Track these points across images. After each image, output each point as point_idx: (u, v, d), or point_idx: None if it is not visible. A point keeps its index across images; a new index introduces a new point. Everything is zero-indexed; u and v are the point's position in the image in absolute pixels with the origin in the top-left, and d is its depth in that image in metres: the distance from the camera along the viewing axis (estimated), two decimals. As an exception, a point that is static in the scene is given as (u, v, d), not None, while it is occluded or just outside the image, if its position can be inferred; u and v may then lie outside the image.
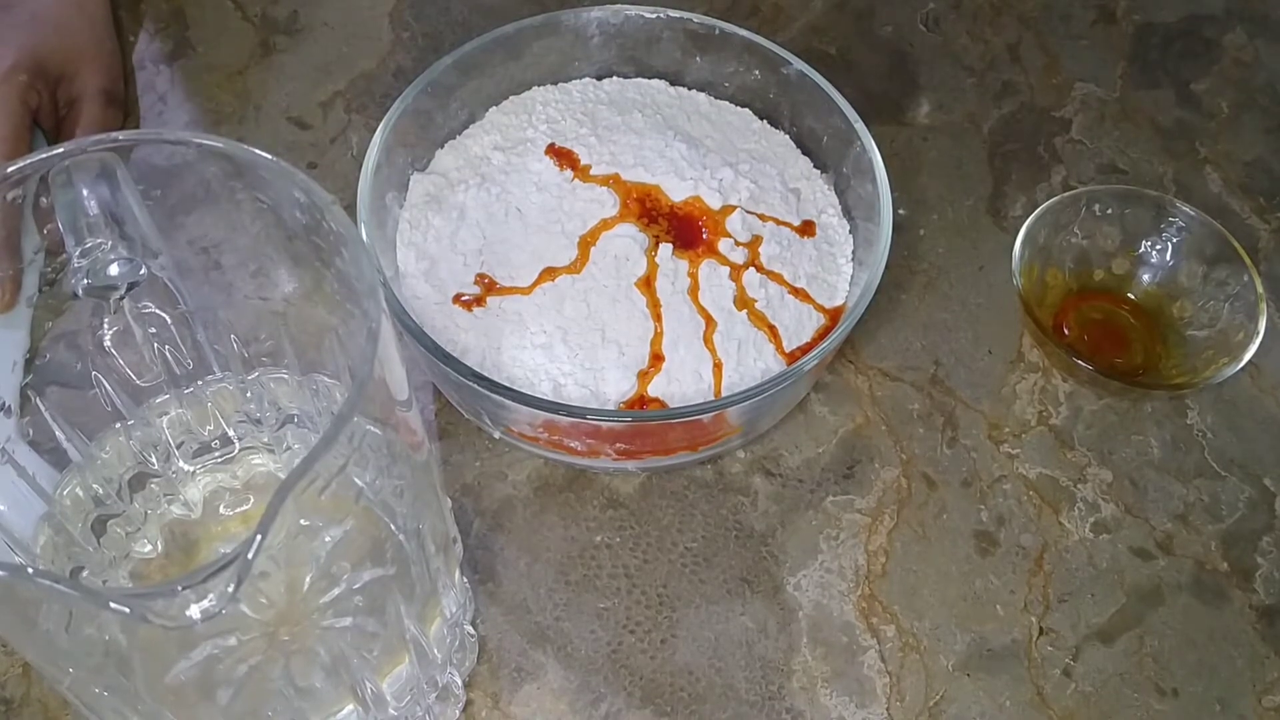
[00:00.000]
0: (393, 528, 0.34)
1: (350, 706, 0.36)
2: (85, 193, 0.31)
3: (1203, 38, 0.69)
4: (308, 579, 0.34)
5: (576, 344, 0.47)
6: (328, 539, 0.34)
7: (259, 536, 0.25)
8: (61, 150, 0.30)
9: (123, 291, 0.34)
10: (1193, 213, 0.55)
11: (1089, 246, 0.56)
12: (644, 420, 0.46)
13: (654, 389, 0.47)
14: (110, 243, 0.33)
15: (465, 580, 0.44)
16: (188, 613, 0.25)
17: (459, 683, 0.43)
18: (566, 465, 0.50)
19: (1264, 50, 0.68)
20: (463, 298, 0.49)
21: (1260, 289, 0.52)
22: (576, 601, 0.47)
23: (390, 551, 0.35)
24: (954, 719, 0.45)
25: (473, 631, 0.45)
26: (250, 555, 0.25)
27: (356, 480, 0.32)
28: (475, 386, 0.44)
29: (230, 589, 0.25)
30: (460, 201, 0.52)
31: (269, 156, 0.31)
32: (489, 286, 0.49)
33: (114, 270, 0.33)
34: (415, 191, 0.52)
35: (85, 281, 0.33)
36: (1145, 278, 0.56)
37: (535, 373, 0.47)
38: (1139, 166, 0.62)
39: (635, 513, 0.50)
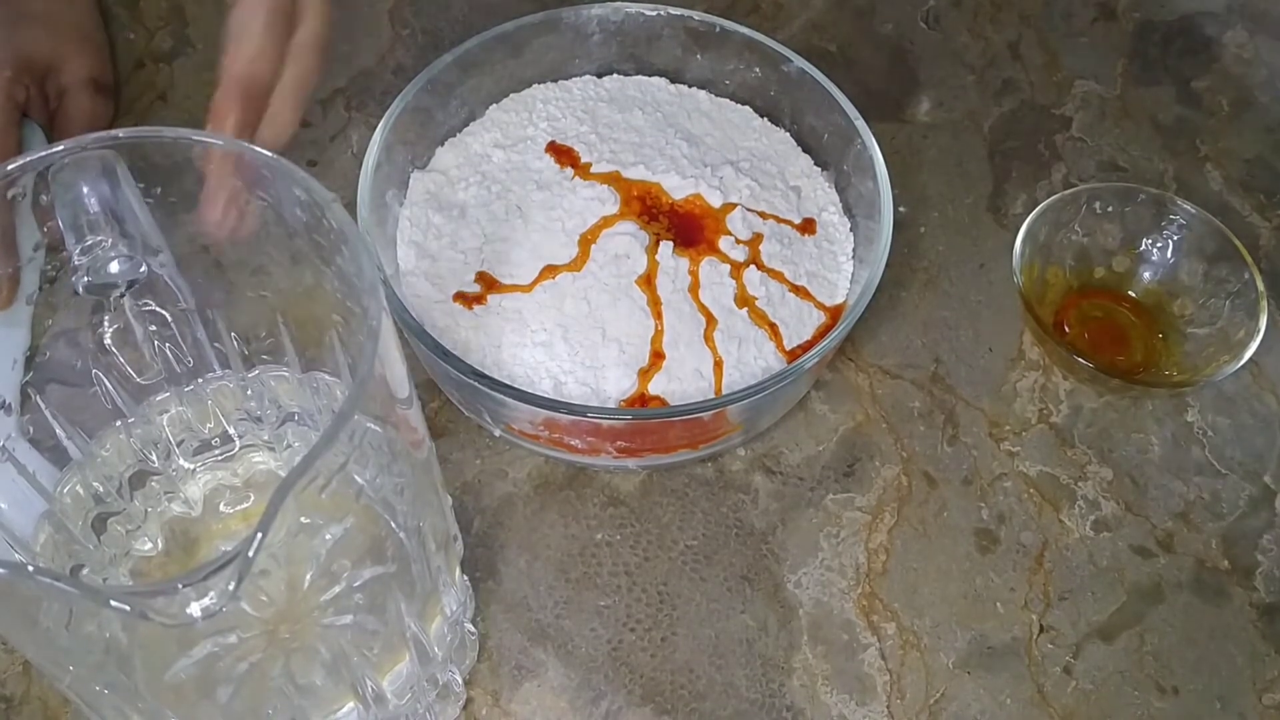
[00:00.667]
0: (393, 525, 0.34)
1: (350, 704, 0.36)
2: (85, 190, 0.31)
3: (1203, 35, 0.69)
4: (308, 577, 0.34)
5: (577, 342, 0.47)
6: (328, 537, 0.34)
7: (259, 534, 0.25)
8: (61, 148, 0.30)
9: (123, 289, 0.34)
10: (1193, 210, 0.55)
11: (1089, 244, 0.56)
12: (644, 418, 0.46)
13: (654, 387, 0.47)
14: (110, 240, 0.33)
15: (465, 578, 0.44)
16: (188, 610, 0.25)
17: (459, 680, 0.43)
18: (567, 463, 0.50)
19: (1264, 48, 0.68)
20: (463, 295, 0.49)
21: (1261, 287, 0.52)
22: (577, 599, 0.47)
23: (391, 549, 0.35)
24: (954, 717, 0.45)
25: (473, 629, 0.45)
26: (251, 553, 0.25)
27: (357, 478, 0.32)
28: (476, 384, 0.44)
29: (231, 587, 0.25)
30: (460, 199, 0.52)
31: (269, 154, 0.31)
32: (489, 284, 0.49)
33: (114, 268, 0.33)
34: (416, 189, 0.52)
35: (85, 279, 0.33)
36: (1146, 275, 0.56)
37: (535, 370, 0.47)
38: (1139, 164, 0.62)
39: (635, 511, 0.49)
